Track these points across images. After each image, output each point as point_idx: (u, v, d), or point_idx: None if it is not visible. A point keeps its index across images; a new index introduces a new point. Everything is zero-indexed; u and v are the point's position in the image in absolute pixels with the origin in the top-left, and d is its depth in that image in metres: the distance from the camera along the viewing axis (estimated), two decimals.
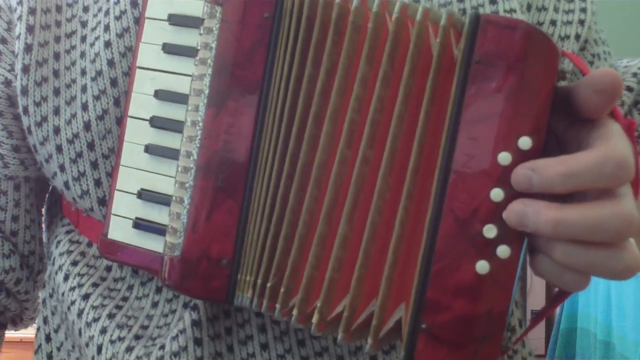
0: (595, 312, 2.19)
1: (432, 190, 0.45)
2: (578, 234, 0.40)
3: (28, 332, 1.98)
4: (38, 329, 0.69)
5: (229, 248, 0.49)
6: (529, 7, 0.65)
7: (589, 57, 0.68)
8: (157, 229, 0.54)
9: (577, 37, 0.65)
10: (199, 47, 0.50)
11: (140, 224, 0.54)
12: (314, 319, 0.48)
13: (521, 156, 0.42)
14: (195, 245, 0.49)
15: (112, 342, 0.58)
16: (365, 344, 0.47)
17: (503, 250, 0.43)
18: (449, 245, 0.44)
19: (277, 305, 0.49)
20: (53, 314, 0.67)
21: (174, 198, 0.51)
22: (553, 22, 0.65)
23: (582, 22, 0.65)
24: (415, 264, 0.45)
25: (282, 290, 0.48)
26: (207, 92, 0.49)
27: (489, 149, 0.43)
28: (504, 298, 0.44)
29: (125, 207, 0.55)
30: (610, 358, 2.09)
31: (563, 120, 0.45)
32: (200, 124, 0.50)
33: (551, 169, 0.40)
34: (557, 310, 2.56)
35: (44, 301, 0.69)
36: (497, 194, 0.43)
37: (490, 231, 0.43)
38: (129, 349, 0.58)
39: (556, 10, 0.65)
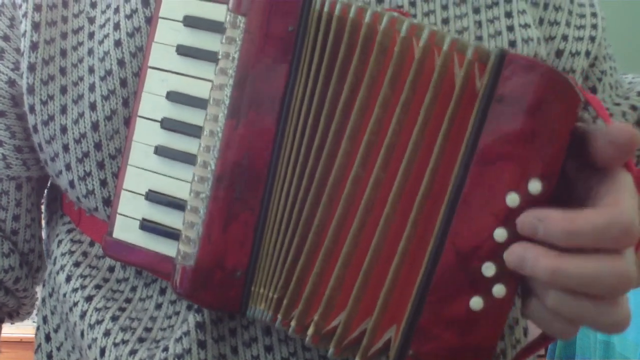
0: None
1: (437, 221, 0.45)
2: (573, 284, 0.41)
3: (28, 332, 1.97)
4: (38, 328, 0.69)
5: (244, 260, 0.50)
6: (541, 21, 0.65)
7: (598, 74, 0.68)
8: (165, 232, 0.53)
9: (587, 54, 0.65)
10: (219, 56, 0.50)
11: (147, 225, 0.54)
12: (309, 331, 0.49)
13: (530, 200, 0.43)
14: (210, 256, 0.49)
15: (115, 344, 0.58)
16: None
17: (499, 290, 0.44)
18: (447, 277, 0.45)
19: (279, 317, 0.50)
20: (52, 313, 0.67)
21: (188, 207, 0.51)
22: (565, 37, 0.65)
23: (592, 39, 0.66)
24: (411, 291, 0.46)
25: (284, 302, 0.49)
26: (227, 102, 0.49)
27: (499, 188, 0.43)
28: (493, 335, 0.45)
29: (132, 208, 0.55)
30: (610, 358, 2.10)
31: (576, 162, 0.45)
32: (219, 134, 0.49)
33: (558, 224, 0.41)
34: None
35: (43, 300, 0.68)
36: (500, 234, 0.43)
37: (488, 269, 0.44)
38: (133, 352, 0.57)
39: (568, 25, 0.65)
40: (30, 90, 0.61)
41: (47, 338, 0.68)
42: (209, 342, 0.56)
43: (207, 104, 0.51)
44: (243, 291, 0.50)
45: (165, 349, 0.56)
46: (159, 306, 0.60)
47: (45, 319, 0.68)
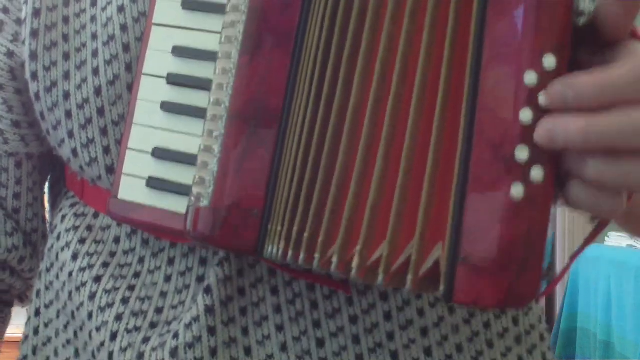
0: (595, 312, 2.19)
1: (461, 120, 0.45)
2: (610, 140, 0.40)
3: None
4: (31, 301, 0.68)
5: (260, 197, 0.48)
6: None
7: None
8: (172, 188, 0.53)
9: None
10: None
11: (154, 183, 0.53)
12: (354, 264, 0.46)
13: (547, 76, 0.42)
14: (226, 194, 0.48)
15: (128, 331, 0.57)
16: (404, 288, 0.46)
17: (537, 172, 0.43)
18: (482, 170, 0.44)
19: (317, 255, 0.48)
20: (47, 288, 0.66)
21: (202, 147, 0.50)
22: None
23: None
24: (450, 197, 0.45)
25: (320, 239, 0.47)
26: (240, 38, 0.49)
27: (514, 70, 0.43)
28: (541, 221, 0.43)
29: (137, 166, 0.54)
30: (610, 358, 2.10)
31: (587, 51, 0.45)
32: (233, 71, 0.49)
33: (589, 82, 0.40)
34: (557, 310, 2.56)
35: (39, 274, 0.67)
36: (526, 116, 0.42)
37: (522, 153, 0.43)
38: (145, 340, 0.57)
39: None
40: (33, 56, 0.61)
41: (37, 312, 0.67)
42: (218, 327, 0.56)
43: (213, 57, 0.50)
44: (260, 230, 0.48)
45: (176, 336, 0.55)
46: (168, 278, 0.59)
47: (38, 293, 0.67)
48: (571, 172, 0.43)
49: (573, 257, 0.51)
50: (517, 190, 0.43)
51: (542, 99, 0.42)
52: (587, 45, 0.45)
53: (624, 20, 0.43)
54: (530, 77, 0.42)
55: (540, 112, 0.42)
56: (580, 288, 2.29)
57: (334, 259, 0.47)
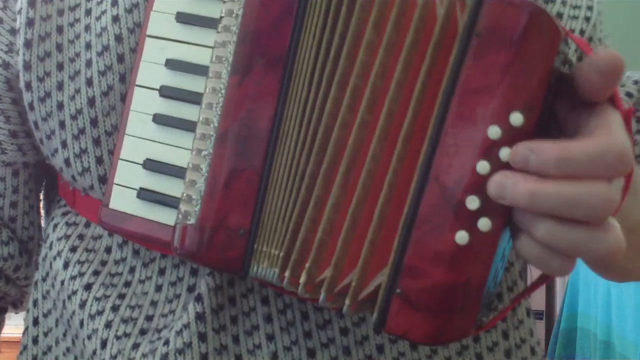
0: (595, 312, 2.19)
1: (420, 157, 0.45)
2: (554, 207, 0.40)
3: None
4: (27, 311, 0.69)
5: (247, 218, 0.49)
6: None
7: None
8: (163, 200, 0.53)
9: (582, 32, 0.65)
10: (222, 14, 0.50)
11: (145, 194, 0.54)
12: (302, 279, 0.48)
13: (512, 132, 0.43)
14: (213, 214, 0.49)
15: (117, 337, 0.58)
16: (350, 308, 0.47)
17: (484, 223, 0.43)
18: (431, 212, 0.44)
19: (286, 274, 0.49)
20: (44, 298, 0.66)
21: (190, 165, 0.50)
22: (560, 15, 0.65)
23: (587, 19, 0.65)
24: (397, 234, 0.46)
25: (282, 256, 0.49)
26: (230, 59, 0.49)
27: (480, 121, 0.43)
28: (482, 271, 0.44)
29: (129, 177, 0.54)
30: (610, 358, 2.09)
31: (565, 104, 0.45)
32: (223, 91, 0.49)
33: (550, 152, 0.40)
34: (557, 310, 2.56)
35: (35, 284, 0.68)
36: (483, 167, 0.43)
37: (472, 202, 0.43)
38: (135, 346, 0.57)
39: (564, 3, 0.65)
40: (27, 66, 0.61)
41: (35, 322, 0.67)
42: (209, 334, 0.56)
43: (206, 71, 0.51)
44: (246, 250, 0.49)
45: (167, 343, 0.56)
46: (159, 288, 0.59)
47: (35, 303, 0.67)
48: (521, 227, 0.43)
49: (514, 302, 0.51)
50: (461, 237, 0.43)
51: (504, 154, 0.42)
52: (567, 99, 0.45)
53: (603, 89, 0.43)
54: (494, 131, 0.43)
55: (499, 166, 0.42)
56: (580, 288, 2.28)
57: (287, 273, 0.48)
